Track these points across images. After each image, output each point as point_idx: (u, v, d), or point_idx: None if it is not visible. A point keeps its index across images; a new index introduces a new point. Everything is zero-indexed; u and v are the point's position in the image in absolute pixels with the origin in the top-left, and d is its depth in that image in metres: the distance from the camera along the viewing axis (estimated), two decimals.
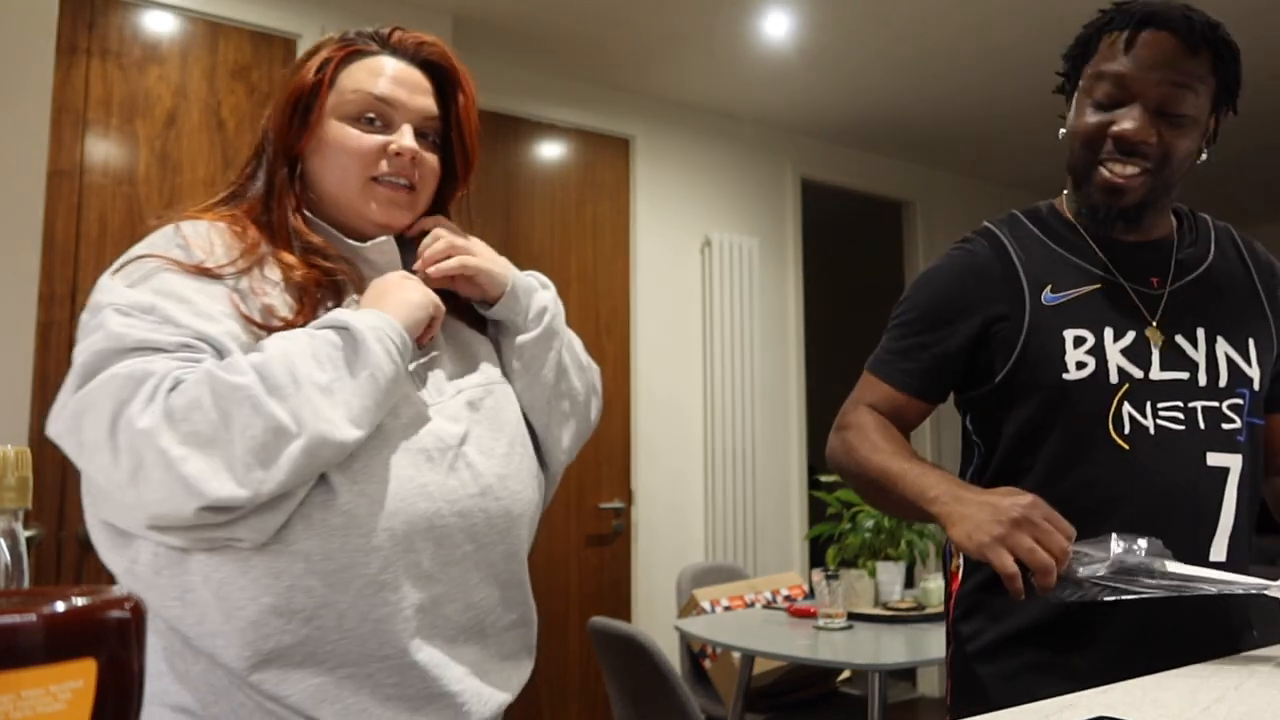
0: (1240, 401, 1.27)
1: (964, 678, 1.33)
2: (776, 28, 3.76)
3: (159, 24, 2.95)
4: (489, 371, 1.11)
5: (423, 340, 1.04)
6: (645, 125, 4.32)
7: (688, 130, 4.47)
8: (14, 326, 2.54)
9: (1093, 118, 1.25)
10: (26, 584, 0.36)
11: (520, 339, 1.12)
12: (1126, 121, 1.22)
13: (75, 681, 0.31)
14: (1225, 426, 1.25)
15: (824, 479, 3.21)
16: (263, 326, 0.97)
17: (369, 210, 1.07)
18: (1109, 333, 1.26)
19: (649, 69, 4.10)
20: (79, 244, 2.76)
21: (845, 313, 6.34)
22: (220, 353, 0.93)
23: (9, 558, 0.34)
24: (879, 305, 6.64)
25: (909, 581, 3.19)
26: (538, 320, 1.13)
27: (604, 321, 4.13)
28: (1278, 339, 1.33)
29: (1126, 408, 1.24)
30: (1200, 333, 1.28)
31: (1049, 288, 1.29)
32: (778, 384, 4.63)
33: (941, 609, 2.91)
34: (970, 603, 1.33)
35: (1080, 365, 1.25)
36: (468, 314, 1.15)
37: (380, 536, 0.93)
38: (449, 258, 1.09)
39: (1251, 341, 1.29)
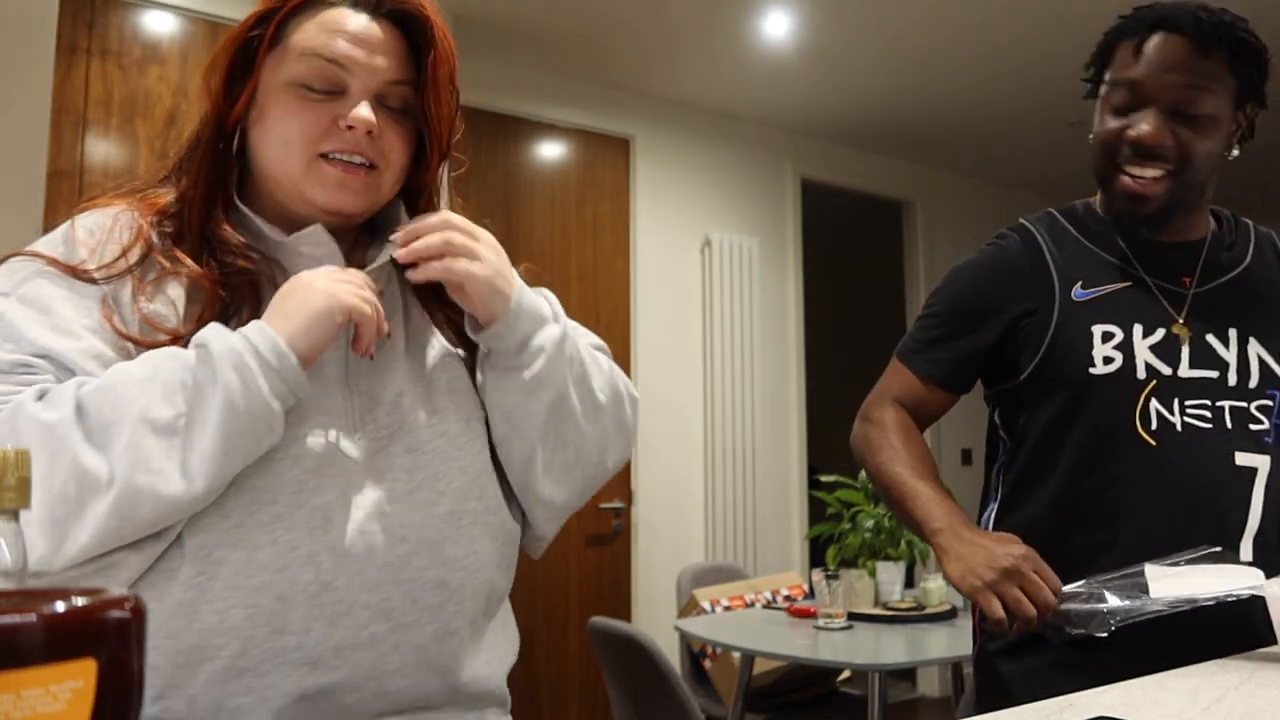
0: (1270, 403, 1.27)
1: (988, 675, 1.34)
2: (776, 28, 3.76)
3: (159, 24, 2.95)
4: (458, 403, 0.93)
5: (359, 349, 0.86)
6: (645, 125, 4.32)
7: (688, 130, 4.46)
8: None
9: (1110, 124, 1.27)
10: (27, 584, 0.36)
11: (501, 381, 0.91)
12: (1142, 125, 1.23)
13: (75, 681, 0.31)
14: (1253, 427, 1.25)
15: (824, 479, 3.21)
16: (139, 342, 0.81)
17: (312, 192, 0.89)
18: (1138, 329, 1.27)
19: (649, 69, 4.10)
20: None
21: (845, 313, 6.34)
22: (71, 373, 0.78)
23: (9, 558, 0.34)
24: (879, 305, 6.67)
25: (909, 581, 3.18)
26: (528, 361, 0.90)
27: (604, 321, 4.13)
28: None
29: (1154, 404, 1.24)
30: (1233, 333, 1.29)
31: (1080, 283, 1.31)
32: (778, 384, 4.63)
33: (941, 609, 2.92)
34: None
35: (1108, 360, 1.26)
36: (455, 323, 0.96)
37: (237, 614, 0.76)
38: (440, 257, 0.88)
39: None
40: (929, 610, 2.93)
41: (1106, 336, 1.27)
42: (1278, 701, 0.97)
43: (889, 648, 2.65)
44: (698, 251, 4.44)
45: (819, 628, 2.84)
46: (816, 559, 4.01)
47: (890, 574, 3.08)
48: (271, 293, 0.85)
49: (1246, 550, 1.23)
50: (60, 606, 0.31)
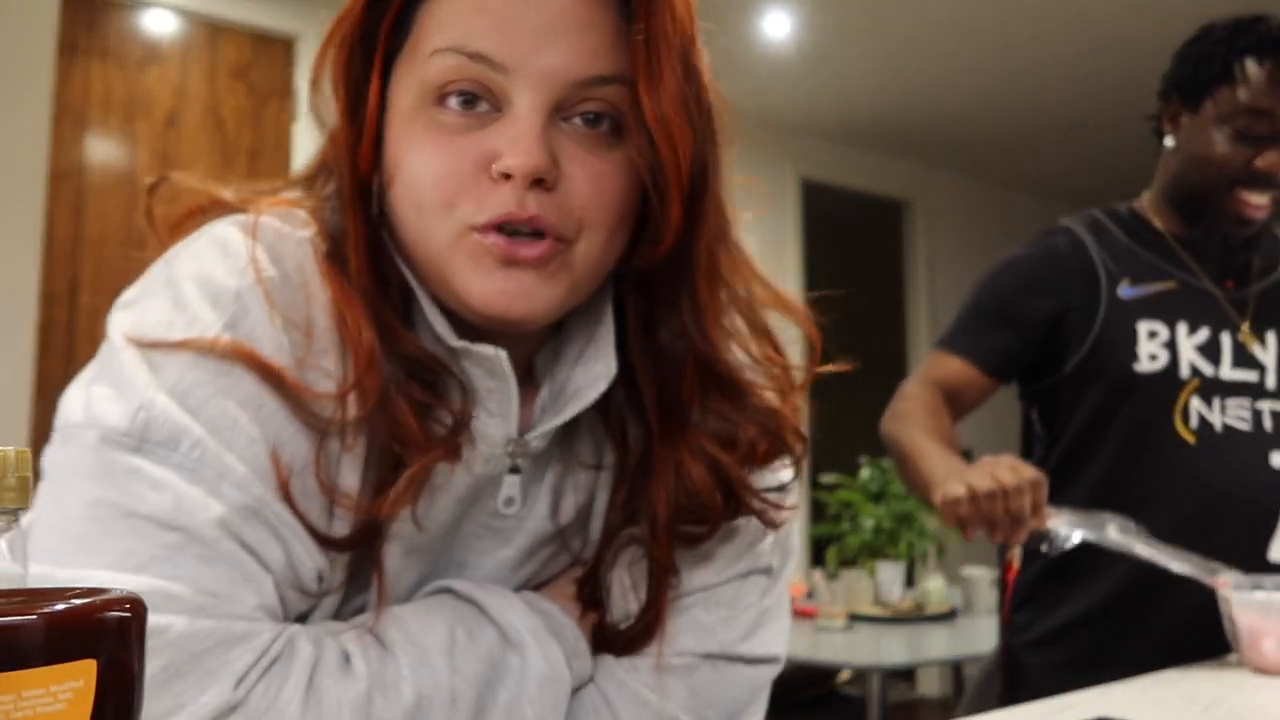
0: None
1: (1013, 668, 1.36)
2: (776, 28, 3.76)
3: (159, 24, 2.95)
4: None
5: None
6: None
7: None
8: (14, 326, 2.54)
9: (1234, 148, 1.24)
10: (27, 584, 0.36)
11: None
12: (1276, 159, 1.22)
13: (75, 682, 0.31)
14: None
15: (824, 479, 3.21)
16: (321, 539, 0.55)
17: (461, 286, 0.56)
18: (1183, 328, 1.29)
19: None
20: (79, 244, 2.77)
21: (845, 313, 6.33)
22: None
23: (9, 558, 0.34)
24: (879, 305, 6.68)
25: (909, 581, 3.19)
26: None
27: None
28: None
29: (1195, 402, 1.26)
30: (1272, 336, 1.31)
31: (1126, 281, 1.32)
32: None
33: (941, 609, 2.92)
34: (1026, 593, 1.36)
35: (1152, 358, 1.27)
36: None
37: None
38: None
39: None
40: (929, 610, 2.94)
41: (1152, 334, 1.28)
42: (1278, 701, 0.97)
43: (889, 648, 2.65)
44: None
45: (819, 628, 2.84)
46: (816, 559, 4.02)
47: (890, 574, 3.08)
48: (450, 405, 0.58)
49: (1278, 551, 1.24)
50: (60, 606, 0.31)
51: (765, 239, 4.67)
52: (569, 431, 0.63)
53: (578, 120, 0.56)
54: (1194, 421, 1.25)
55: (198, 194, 0.62)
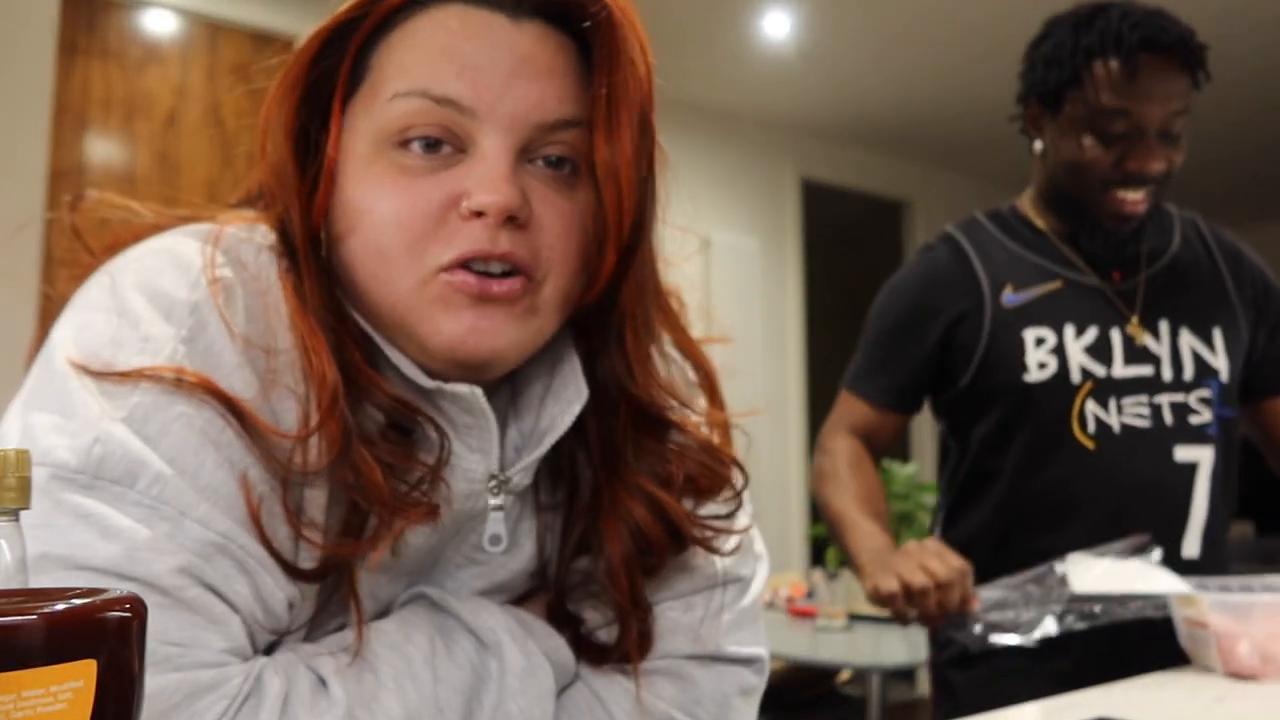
0: (1208, 394, 1.26)
1: (943, 684, 1.35)
2: (776, 28, 3.76)
3: (159, 24, 2.95)
4: None
5: None
6: None
7: (688, 130, 4.46)
8: (14, 326, 2.54)
9: (1100, 151, 1.21)
10: (28, 584, 0.36)
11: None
12: (1144, 157, 1.20)
13: (76, 682, 0.31)
14: (1193, 420, 1.25)
15: None
16: (291, 572, 0.53)
17: (428, 330, 0.55)
18: (1070, 331, 1.26)
19: None
20: None
21: (845, 313, 6.34)
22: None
23: (9, 558, 0.34)
24: None
25: None
26: None
27: None
28: (1247, 327, 1.32)
29: (1090, 406, 1.24)
30: (1164, 325, 1.28)
31: (1009, 288, 1.29)
32: (778, 384, 4.62)
33: None
34: None
35: (1042, 366, 1.25)
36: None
37: None
38: None
39: (1218, 331, 1.29)
40: None
41: (1039, 341, 1.26)
42: (1277, 701, 0.97)
43: (889, 648, 2.65)
44: (698, 251, 4.44)
45: (819, 628, 2.84)
46: (816, 559, 4.02)
47: None
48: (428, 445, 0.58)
49: (1193, 545, 1.23)
50: (60, 607, 0.31)
51: (765, 239, 4.67)
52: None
53: (540, 162, 0.56)
54: (1091, 426, 1.23)
55: (133, 214, 0.60)
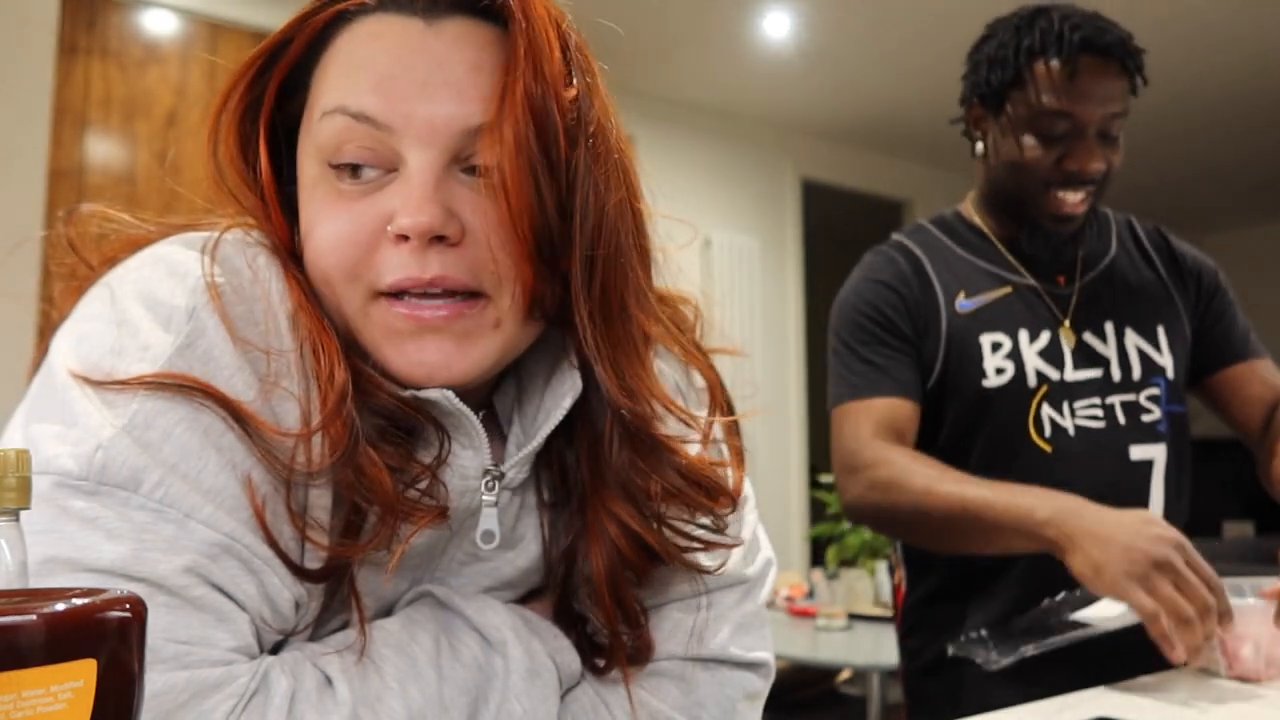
0: (1157, 391, 1.27)
1: (915, 692, 1.34)
2: (776, 28, 3.76)
3: (159, 24, 2.96)
4: None
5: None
6: (645, 125, 4.32)
7: (688, 130, 4.47)
8: (14, 326, 2.54)
9: (1040, 151, 1.22)
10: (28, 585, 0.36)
11: None
12: (1084, 157, 1.20)
13: (76, 681, 0.31)
14: (1145, 419, 1.25)
15: (824, 479, 3.21)
16: (296, 571, 0.53)
17: (384, 357, 0.56)
18: (1024, 335, 1.26)
19: (649, 69, 4.10)
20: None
21: None
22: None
23: (10, 558, 0.34)
24: None
25: None
26: None
27: None
28: (1189, 321, 1.34)
29: (1046, 410, 1.24)
30: (1109, 327, 1.29)
31: (961, 294, 1.29)
32: (778, 384, 4.63)
33: None
34: (915, 617, 1.33)
35: (999, 371, 1.25)
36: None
37: None
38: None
39: (1161, 329, 1.30)
40: None
41: (995, 346, 1.26)
42: (1276, 703, 0.97)
43: (889, 648, 2.65)
44: (697, 252, 4.44)
45: (819, 628, 2.84)
46: (816, 559, 4.02)
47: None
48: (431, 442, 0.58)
49: None
50: (60, 606, 0.31)
51: (765, 239, 4.67)
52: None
53: (475, 171, 0.54)
54: (1047, 429, 1.23)
55: (128, 225, 0.60)
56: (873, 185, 5.18)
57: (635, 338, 0.60)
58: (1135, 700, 0.98)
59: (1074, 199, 1.23)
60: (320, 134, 0.54)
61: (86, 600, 0.32)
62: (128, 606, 0.33)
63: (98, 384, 0.50)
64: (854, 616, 2.92)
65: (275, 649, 0.55)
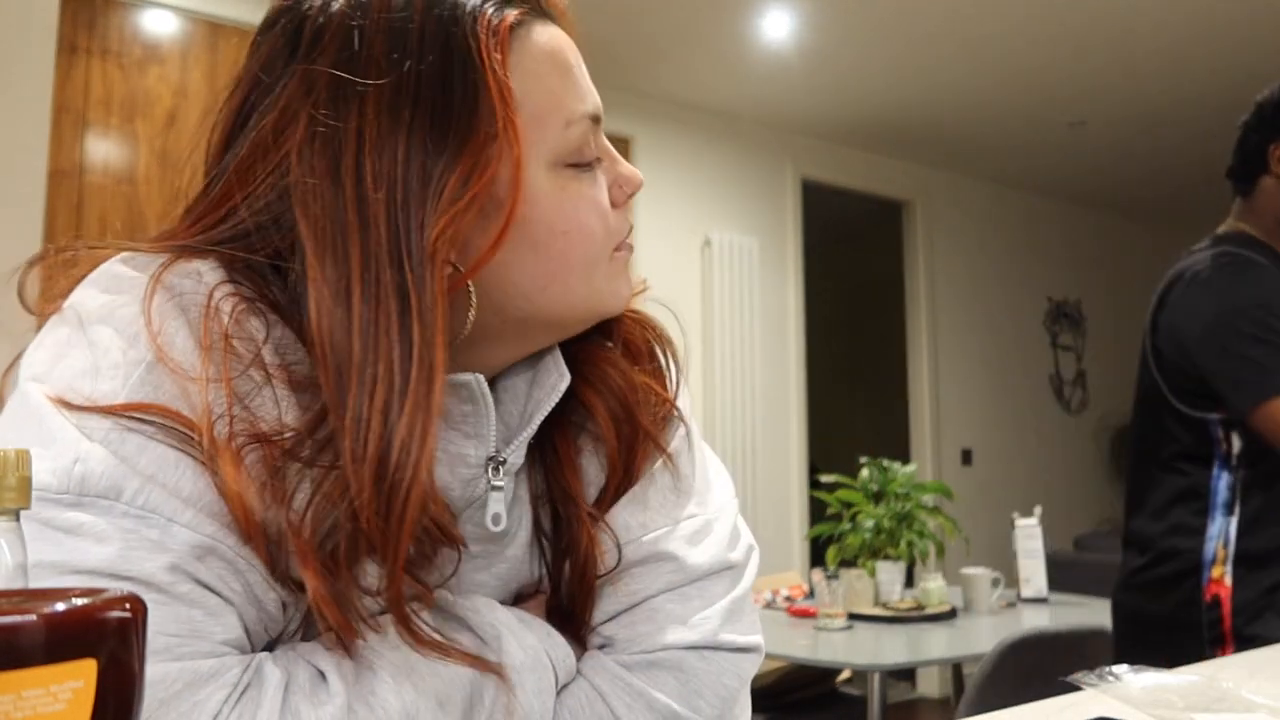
0: None
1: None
2: (776, 28, 3.76)
3: (159, 24, 2.95)
4: None
5: None
6: (645, 125, 4.32)
7: (688, 130, 4.46)
8: (14, 327, 2.54)
9: None
10: (28, 584, 0.36)
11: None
12: None
13: (76, 681, 0.31)
14: None
15: (824, 479, 3.21)
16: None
17: (605, 297, 0.64)
18: None
19: (649, 69, 4.10)
20: None
21: (845, 313, 6.34)
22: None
23: (10, 558, 0.34)
24: (879, 305, 6.64)
25: (909, 581, 3.18)
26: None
27: None
28: None
29: None
30: None
31: None
32: (778, 384, 4.63)
33: (941, 609, 2.91)
34: (1260, 605, 1.40)
35: None
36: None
37: None
38: None
39: None
40: (929, 610, 2.93)
41: None
42: (1275, 704, 0.97)
43: (889, 648, 2.65)
44: (698, 251, 4.44)
45: (819, 628, 2.84)
46: (816, 559, 4.01)
47: (890, 574, 3.08)
48: None
49: None
50: (60, 606, 0.31)
51: (765, 239, 4.67)
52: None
53: None
54: None
55: (88, 247, 0.61)
56: (873, 185, 5.18)
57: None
58: (1135, 700, 0.97)
59: None
60: (570, 139, 0.60)
61: (86, 600, 0.32)
62: (128, 606, 0.33)
63: (71, 407, 0.51)
64: (854, 616, 2.91)
65: (267, 649, 0.56)
